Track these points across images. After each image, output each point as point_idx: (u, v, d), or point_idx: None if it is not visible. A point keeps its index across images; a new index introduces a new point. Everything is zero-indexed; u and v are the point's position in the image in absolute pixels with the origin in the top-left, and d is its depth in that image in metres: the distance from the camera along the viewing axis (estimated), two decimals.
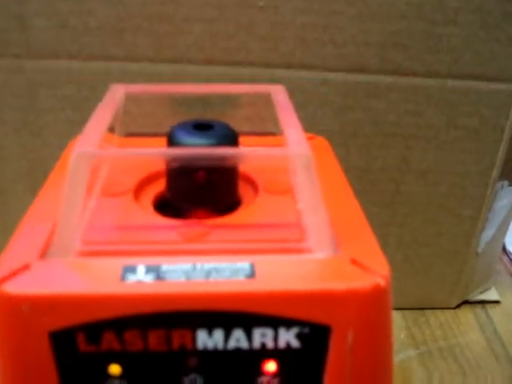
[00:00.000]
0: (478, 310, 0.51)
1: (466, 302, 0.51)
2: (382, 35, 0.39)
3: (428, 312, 0.50)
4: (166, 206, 0.27)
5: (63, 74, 0.39)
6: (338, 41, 0.39)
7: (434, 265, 0.48)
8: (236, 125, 0.27)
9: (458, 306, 0.51)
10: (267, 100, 0.31)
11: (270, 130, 0.33)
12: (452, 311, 0.50)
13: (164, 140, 0.27)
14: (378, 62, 0.40)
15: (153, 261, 0.22)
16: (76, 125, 0.40)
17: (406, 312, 0.50)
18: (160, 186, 0.28)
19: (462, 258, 0.48)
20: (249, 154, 0.23)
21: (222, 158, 0.22)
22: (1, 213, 0.44)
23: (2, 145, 0.42)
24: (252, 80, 0.40)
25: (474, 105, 0.41)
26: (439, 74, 0.41)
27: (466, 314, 0.50)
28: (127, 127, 0.31)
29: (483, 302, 0.52)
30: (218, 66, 0.39)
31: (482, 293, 0.52)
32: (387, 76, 0.41)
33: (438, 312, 0.50)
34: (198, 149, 0.23)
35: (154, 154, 0.23)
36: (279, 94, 0.29)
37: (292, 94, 0.30)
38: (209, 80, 0.40)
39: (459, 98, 0.41)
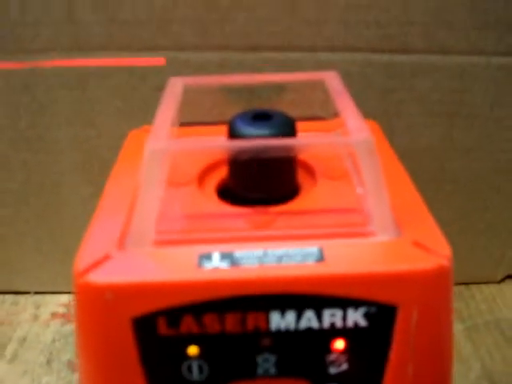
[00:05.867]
0: None
1: (511, 277, 0.51)
2: (425, 14, 0.39)
3: (473, 286, 0.50)
4: (228, 194, 0.28)
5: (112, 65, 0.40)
6: (381, 21, 0.39)
7: (479, 239, 0.48)
8: (288, 112, 0.28)
9: (503, 279, 0.51)
10: (317, 87, 0.31)
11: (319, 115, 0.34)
12: (497, 285, 0.50)
13: (220, 128, 0.28)
14: (423, 41, 0.40)
15: (226, 248, 0.23)
16: (125, 114, 0.41)
17: None
18: (221, 174, 0.29)
19: (507, 232, 0.47)
20: (312, 144, 0.23)
21: (288, 149, 0.23)
22: (57, 205, 0.44)
23: (55, 137, 0.42)
24: (297, 64, 0.40)
25: None
26: (484, 52, 0.40)
27: (511, 288, 0.50)
28: (182, 116, 0.32)
29: None
30: (263, 52, 0.40)
31: None
32: (432, 55, 0.40)
33: (483, 286, 0.50)
34: (265, 140, 0.23)
35: (224, 146, 0.24)
36: (333, 80, 0.29)
37: None
38: (254, 66, 0.40)
39: (505, 75, 0.41)
